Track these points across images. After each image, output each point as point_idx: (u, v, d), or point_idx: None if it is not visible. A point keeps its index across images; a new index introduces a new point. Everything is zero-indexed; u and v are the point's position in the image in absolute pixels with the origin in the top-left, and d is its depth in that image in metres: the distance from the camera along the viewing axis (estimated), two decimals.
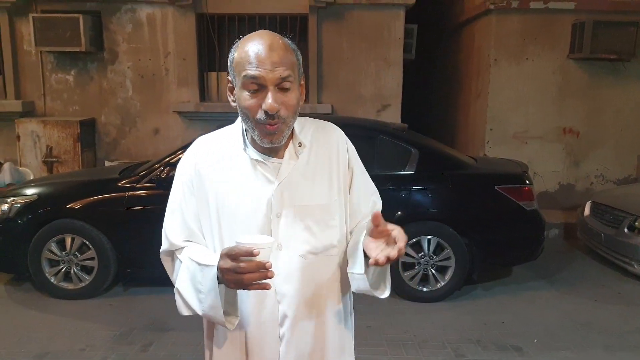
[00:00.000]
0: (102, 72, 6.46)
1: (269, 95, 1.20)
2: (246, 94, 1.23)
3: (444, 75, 8.65)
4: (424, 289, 4.13)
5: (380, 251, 1.18)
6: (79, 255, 4.06)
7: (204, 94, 6.59)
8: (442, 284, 4.11)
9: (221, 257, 1.15)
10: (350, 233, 1.43)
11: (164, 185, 3.98)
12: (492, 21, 6.42)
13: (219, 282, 1.19)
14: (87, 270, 4.09)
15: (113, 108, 6.54)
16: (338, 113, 6.41)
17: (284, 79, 1.21)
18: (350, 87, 6.42)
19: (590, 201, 5.44)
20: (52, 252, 4.04)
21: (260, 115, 1.22)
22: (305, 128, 1.38)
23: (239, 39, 1.29)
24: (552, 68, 6.47)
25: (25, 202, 4.08)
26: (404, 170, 4.14)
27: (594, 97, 6.53)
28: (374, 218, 1.18)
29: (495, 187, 4.12)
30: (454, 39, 8.13)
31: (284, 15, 6.33)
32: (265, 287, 1.13)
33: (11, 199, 4.11)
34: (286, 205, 1.31)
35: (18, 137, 6.13)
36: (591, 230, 5.12)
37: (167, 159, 4.13)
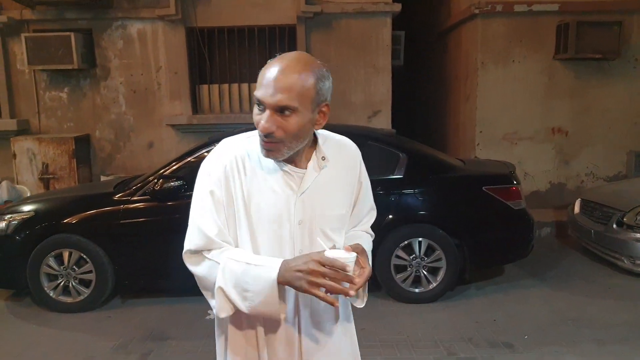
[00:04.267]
0: (95, 88, 6.56)
1: (264, 116, 1.29)
2: (256, 108, 1.32)
3: (433, 80, 8.76)
4: (417, 290, 4.19)
5: None
6: (76, 269, 4.12)
7: (196, 107, 6.68)
8: (434, 284, 4.18)
9: (311, 261, 1.25)
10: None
11: (158, 197, 4.07)
12: (478, 25, 6.53)
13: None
14: (85, 283, 4.15)
15: (107, 123, 6.63)
16: (329, 121, 6.46)
17: (282, 107, 1.27)
18: (341, 95, 6.50)
19: (579, 199, 5.51)
20: (50, 266, 4.10)
21: (259, 130, 1.32)
22: (327, 142, 1.49)
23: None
24: (539, 69, 6.58)
25: (23, 218, 4.14)
26: (393, 175, 4.22)
27: (581, 97, 6.63)
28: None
29: (483, 188, 4.21)
30: (442, 44, 8.25)
31: (272, 27, 6.44)
32: (348, 294, 1.25)
33: (9, 216, 4.18)
34: (307, 214, 1.41)
35: (14, 155, 6.22)
36: (581, 228, 5.19)
37: (161, 171, 4.20)
